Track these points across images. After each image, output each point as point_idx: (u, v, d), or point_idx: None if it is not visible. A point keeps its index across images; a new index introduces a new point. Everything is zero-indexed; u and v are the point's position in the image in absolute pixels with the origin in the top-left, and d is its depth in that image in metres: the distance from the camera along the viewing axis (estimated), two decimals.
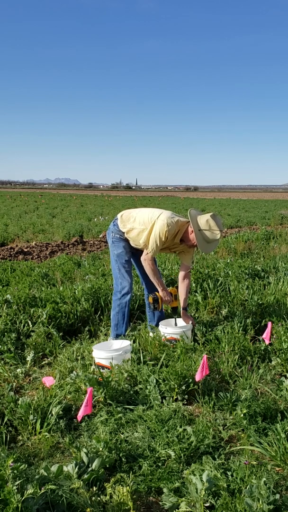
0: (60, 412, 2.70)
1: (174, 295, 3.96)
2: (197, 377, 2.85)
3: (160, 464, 2.31)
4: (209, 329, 4.09)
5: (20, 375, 3.41)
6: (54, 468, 2.06)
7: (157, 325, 4.06)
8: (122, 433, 2.58)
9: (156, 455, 2.35)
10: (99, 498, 1.99)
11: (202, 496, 1.92)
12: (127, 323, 3.98)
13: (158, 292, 3.89)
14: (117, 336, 3.94)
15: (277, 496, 1.88)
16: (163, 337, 3.71)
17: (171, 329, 3.83)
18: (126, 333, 4.12)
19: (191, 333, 3.97)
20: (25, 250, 9.58)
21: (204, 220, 3.65)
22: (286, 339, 3.52)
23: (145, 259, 3.77)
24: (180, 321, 4.06)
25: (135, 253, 4.06)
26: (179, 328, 3.85)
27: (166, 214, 3.74)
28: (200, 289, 5.29)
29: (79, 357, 3.62)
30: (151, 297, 3.90)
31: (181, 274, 4.06)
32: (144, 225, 3.76)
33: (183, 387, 2.96)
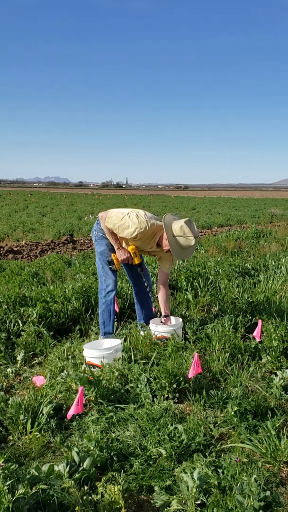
0: (51, 412, 2.69)
1: (134, 252, 3.81)
2: (189, 375, 2.86)
3: (151, 462, 2.32)
4: (200, 328, 4.11)
5: (11, 374, 3.39)
6: (45, 468, 2.06)
7: (147, 323, 4.07)
8: (113, 432, 2.58)
9: (147, 454, 2.35)
10: (90, 497, 1.98)
11: (193, 494, 1.92)
12: (114, 321, 3.97)
13: (115, 254, 3.85)
14: (105, 334, 3.94)
15: (268, 493, 1.90)
16: (153, 336, 3.71)
17: (162, 327, 3.83)
18: (117, 332, 4.12)
19: (181, 331, 3.98)
20: (15, 249, 9.52)
21: (178, 226, 3.58)
22: (276, 337, 3.54)
23: (103, 224, 3.76)
24: (172, 319, 4.07)
25: None
26: (169, 327, 3.85)
27: (142, 212, 3.74)
28: (190, 288, 5.30)
29: (70, 356, 3.61)
30: (107, 259, 3.91)
31: (159, 281, 4.01)
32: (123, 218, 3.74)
33: (174, 386, 2.97)
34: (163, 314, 3.98)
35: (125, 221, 3.63)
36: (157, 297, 4.06)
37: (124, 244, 3.84)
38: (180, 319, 4.03)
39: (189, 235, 3.56)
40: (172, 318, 4.09)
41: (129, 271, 4.13)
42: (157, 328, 3.82)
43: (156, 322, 3.99)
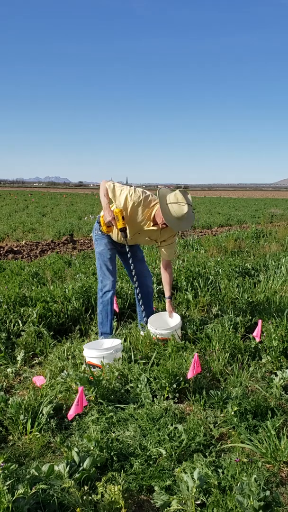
0: (51, 412, 2.69)
1: (117, 215, 3.63)
2: (189, 375, 2.87)
3: (151, 462, 2.32)
4: (200, 328, 4.11)
5: (11, 374, 3.39)
6: (45, 468, 2.06)
7: (146, 323, 4.07)
8: (113, 432, 2.58)
9: (148, 454, 2.35)
10: (90, 497, 1.98)
11: (193, 494, 1.92)
12: (111, 321, 3.96)
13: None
14: (103, 335, 3.94)
15: (268, 492, 1.90)
16: (153, 336, 3.72)
17: (161, 330, 3.82)
18: (117, 332, 4.12)
19: (180, 331, 3.98)
20: (15, 249, 9.52)
21: (172, 195, 3.55)
22: (276, 337, 3.54)
23: (101, 184, 3.71)
24: (168, 318, 4.09)
25: (122, 252, 4.04)
26: (168, 329, 3.85)
27: (140, 189, 3.72)
28: (190, 288, 5.30)
29: (70, 356, 3.61)
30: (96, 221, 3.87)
31: (162, 264, 4.05)
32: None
33: (174, 386, 2.97)
34: (166, 295, 4.04)
35: (123, 188, 3.65)
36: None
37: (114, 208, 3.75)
38: (179, 318, 4.03)
39: (182, 201, 3.49)
40: (173, 314, 4.10)
41: (130, 271, 4.12)
42: (156, 331, 3.82)
43: (154, 320, 3.99)
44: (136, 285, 4.10)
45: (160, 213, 3.53)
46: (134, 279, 4.08)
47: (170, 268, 4.06)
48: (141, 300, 4.06)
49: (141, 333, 3.91)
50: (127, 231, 3.70)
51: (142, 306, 4.08)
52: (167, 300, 4.07)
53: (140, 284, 4.08)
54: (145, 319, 4.08)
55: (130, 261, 3.90)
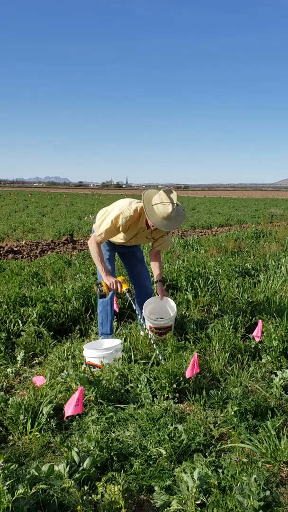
0: (51, 412, 2.69)
1: (123, 279, 3.65)
2: (187, 374, 2.86)
3: (151, 462, 2.31)
4: (200, 328, 4.11)
5: (11, 374, 3.40)
6: (45, 468, 2.06)
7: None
8: (113, 432, 2.58)
9: (147, 454, 2.35)
10: (90, 497, 1.98)
11: (193, 494, 1.92)
12: (111, 322, 3.96)
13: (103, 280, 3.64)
14: (103, 335, 3.94)
15: (268, 492, 1.90)
16: (149, 326, 3.69)
17: (156, 321, 3.81)
18: (117, 332, 4.12)
19: (174, 321, 3.97)
20: (15, 249, 9.52)
21: (157, 196, 3.49)
22: (276, 337, 3.54)
23: (90, 240, 3.61)
24: (162, 304, 4.07)
25: (122, 252, 4.03)
26: (163, 320, 3.84)
27: (124, 202, 3.63)
28: (190, 288, 5.30)
29: (70, 356, 3.61)
30: (95, 285, 3.80)
31: (152, 252, 4.00)
32: (103, 215, 3.68)
33: (174, 386, 2.97)
34: (155, 279, 3.99)
35: (107, 211, 3.64)
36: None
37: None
38: (175, 307, 3.98)
39: (166, 201, 3.38)
40: (166, 299, 4.05)
41: (129, 271, 4.12)
42: (152, 321, 3.80)
43: (149, 307, 3.94)
44: (135, 286, 4.09)
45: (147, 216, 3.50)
46: (134, 280, 4.07)
47: (159, 254, 4.03)
48: (140, 300, 4.04)
49: (141, 333, 3.91)
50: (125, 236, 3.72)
51: (142, 307, 4.05)
52: (158, 284, 3.98)
53: (139, 284, 4.07)
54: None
55: (130, 262, 3.89)
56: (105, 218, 3.57)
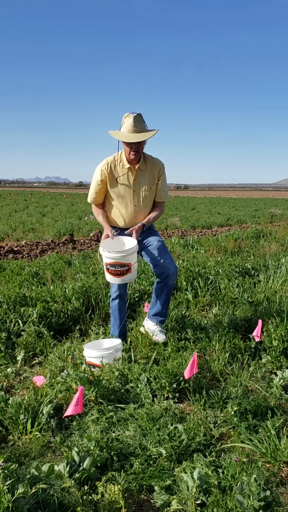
0: (51, 412, 2.69)
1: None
2: (186, 375, 2.87)
3: (151, 462, 2.32)
4: (200, 328, 4.11)
5: (11, 374, 3.40)
6: (45, 468, 2.06)
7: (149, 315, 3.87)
8: (113, 432, 2.58)
9: (147, 453, 2.35)
10: (90, 497, 1.99)
11: (193, 494, 1.92)
12: (120, 326, 3.88)
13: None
14: (113, 336, 3.89)
15: (268, 492, 1.90)
16: (105, 263, 3.53)
17: (110, 253, 3.47)
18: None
19: (135, 257, 3.57)
20: (15, 249, 9.52)
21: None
22: (276, 337, 3.54)
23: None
24: (128, 240, 3.67)
25: (140, 245, 3.74)
26: (118, 252, 3.47)
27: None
28: (190, 288, 5.31)
29: (70, 356, 3.60)
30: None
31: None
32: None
33: (174, 385, 2.97)
34: (142, 222, 3.68)
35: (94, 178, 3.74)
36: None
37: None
38: (135, 242, 3.54)
39: (127, 117, 3.46)
40: (129, 239, 3.64)
41: (150, 260, 3.71)
42: (105, 253, 3.50)
43: (107, 243, 3.62)
44: (154, 268, 3.73)
45: (121, 143, 3.57)
46: (155, 269, 3.70)
47: (158, 206, 3.83)
48: (156, 290, 3.77)
49: (141, 329, 3.89)
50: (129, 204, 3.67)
51: (156, 296, 3.79)
52: (139, 224, 3.63)
53: (159, 273, 3.67)
54: (150, 311, 3.86)
55: (147, 251, 3.68)
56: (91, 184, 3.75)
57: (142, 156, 3.66)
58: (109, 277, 3.64)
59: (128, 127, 3.44)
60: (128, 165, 3.63)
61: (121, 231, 3.77)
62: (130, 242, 3.61)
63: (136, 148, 3.52)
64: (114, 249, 3.54)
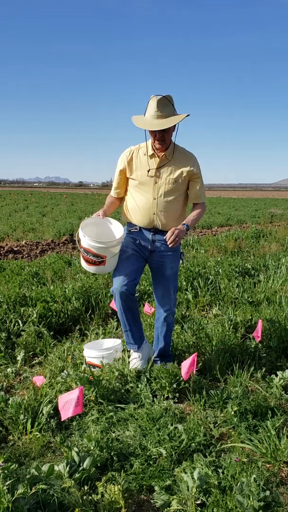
0: (51, 412, 2.69)
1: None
2: (184, 376, 2.86)
3: (151, 462, 2.32)
4: (200, 328, 4.11)
5: (11, 374, 3.39)
6: (45, 468, 2.06)
7: (158, 357, 3.45)
8: (113, 432, 2.58)
9: (148, 454, 2.35)
10: (90, 497, 1.98)
11: (193, 494, 1.92)
12: (132, 332, 3.25)
13: None
14: (128, 344, 3.39)
15: (267, 492, 1.90)
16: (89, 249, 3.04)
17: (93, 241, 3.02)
18: (117, 331, 4.11)
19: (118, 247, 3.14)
20: (15, 249, 9.52)
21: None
22: (276, 337, 3.54)
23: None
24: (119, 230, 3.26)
25: (151, 263, 3.30)
26: (102, 243, 3.01)
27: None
28: (190, 288, 5.31)
29: (70, 356, 3.60)
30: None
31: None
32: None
33: (174, 386, 2.97)
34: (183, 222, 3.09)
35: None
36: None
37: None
38: (120, 233, 3.19)
39: (152, 100, 2.93)
40: (118, 229, 3.27)
41: (154, 291, 3.43)
42: (81, 235, 3.06)
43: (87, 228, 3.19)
44: (156, 307, 3.44)
45: (145, 132, 3.05)
46: (157, 299, 3.39)
47: (196, 208, 3.23)
48: (157, 329, 3.43)
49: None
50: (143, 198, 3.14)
51: (157, 336, 3.44)
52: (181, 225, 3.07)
53: (160, 306, 3.37)
54: (153, 357, 3.40)
55: (155, 278, 3.32)
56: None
57: (172, 146, 3.11)
58: (82, 262, 3.19)
59: (151, 112, 2.93)
60: (152, 152, 3.11)
61: (141, 248, 3.24)
62: (116, 232, 3.22)
63: (161, 137, 2.99)
64: (93, 235, 3.11)
